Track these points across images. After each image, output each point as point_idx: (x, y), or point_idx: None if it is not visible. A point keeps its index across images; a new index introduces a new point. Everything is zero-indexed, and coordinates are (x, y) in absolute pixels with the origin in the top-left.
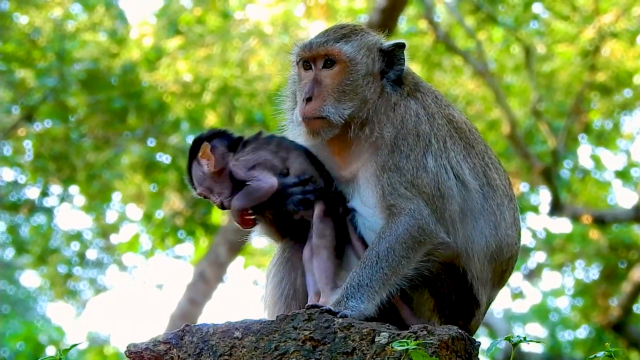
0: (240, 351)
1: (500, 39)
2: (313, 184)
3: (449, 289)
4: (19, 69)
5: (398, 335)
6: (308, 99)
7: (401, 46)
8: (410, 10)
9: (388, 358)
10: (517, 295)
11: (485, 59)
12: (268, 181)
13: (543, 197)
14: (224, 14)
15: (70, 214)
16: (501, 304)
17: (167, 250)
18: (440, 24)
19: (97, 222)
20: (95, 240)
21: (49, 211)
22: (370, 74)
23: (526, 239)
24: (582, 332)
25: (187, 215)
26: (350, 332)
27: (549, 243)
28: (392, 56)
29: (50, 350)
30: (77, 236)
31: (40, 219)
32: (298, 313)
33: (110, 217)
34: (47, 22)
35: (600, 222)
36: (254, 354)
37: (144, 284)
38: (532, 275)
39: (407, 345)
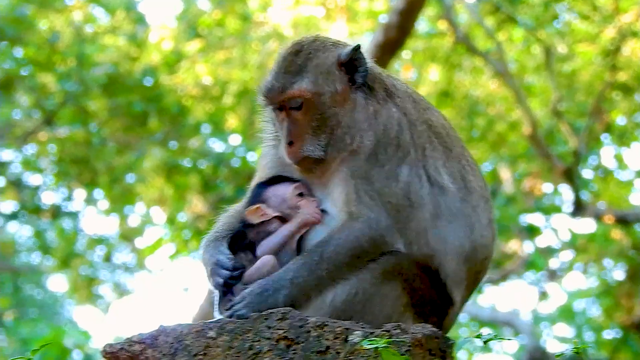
0: (215, 351)
1: (520, 40)
2: None
3: (424, 285)
4: (39, 74)
5: (372, 333)
6: (289, 143)
7: (356, 49)
8: (430, 11)
9: (361, 357)
10: (543, 295)
11: (506, 60)
12: None
13: (565, 197)
14: (244, 17)
15: (94, 217)
16: (527, 304)
17: (191, 253)
18: (460, 24)
19: (121, 226)
20: (120, 244)
21: (73, 215)
22: (336, 95)
23: (550, 240)
24: (609, 333)
25: (209, 218)
26: (324, 330)
27: (573, 244)
28: (353, 62)
29: (77, 354)
30: (102, 240)
31: (65, 223)
32: (272, 312)
33: (134, 220)
34: (67, 27)
35: (623, 222)
36: (228, 354)
37: (169, 287)
38: (556, 276)
39: (378, 343)
